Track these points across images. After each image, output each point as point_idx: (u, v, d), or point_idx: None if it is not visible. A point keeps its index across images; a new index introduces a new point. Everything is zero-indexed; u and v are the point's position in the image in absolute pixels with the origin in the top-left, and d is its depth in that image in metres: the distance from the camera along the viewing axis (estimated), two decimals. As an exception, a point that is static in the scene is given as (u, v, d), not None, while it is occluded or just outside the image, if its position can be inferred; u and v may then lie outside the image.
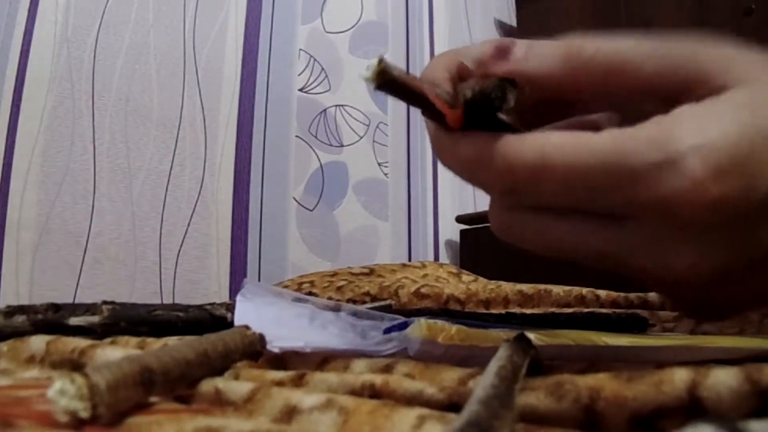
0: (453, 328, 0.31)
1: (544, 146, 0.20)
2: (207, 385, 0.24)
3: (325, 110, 1.22)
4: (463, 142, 0.22)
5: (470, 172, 0.22)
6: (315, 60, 1.23)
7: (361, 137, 1.26)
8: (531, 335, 0.31)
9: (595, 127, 0.21)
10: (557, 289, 0.67)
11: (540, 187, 0.20)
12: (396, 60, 1.33)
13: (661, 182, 0.18)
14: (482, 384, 0.18)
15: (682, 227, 0.19)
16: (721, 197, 0.18)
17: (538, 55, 0.23)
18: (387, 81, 0.21)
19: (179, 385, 0.24)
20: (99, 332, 0.39)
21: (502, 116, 0.24)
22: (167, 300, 0.96)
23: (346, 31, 1.28)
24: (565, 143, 0.20)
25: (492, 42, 0.24)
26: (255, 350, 0.31)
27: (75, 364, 0.30)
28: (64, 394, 0.18)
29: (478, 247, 1.25)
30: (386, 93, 0.22)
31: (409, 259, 1.24)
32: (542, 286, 0.69)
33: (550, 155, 0.20)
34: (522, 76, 0.23)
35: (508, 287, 0.71)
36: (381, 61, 0.21)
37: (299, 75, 1.20)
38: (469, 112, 0.22)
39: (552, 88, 0.23)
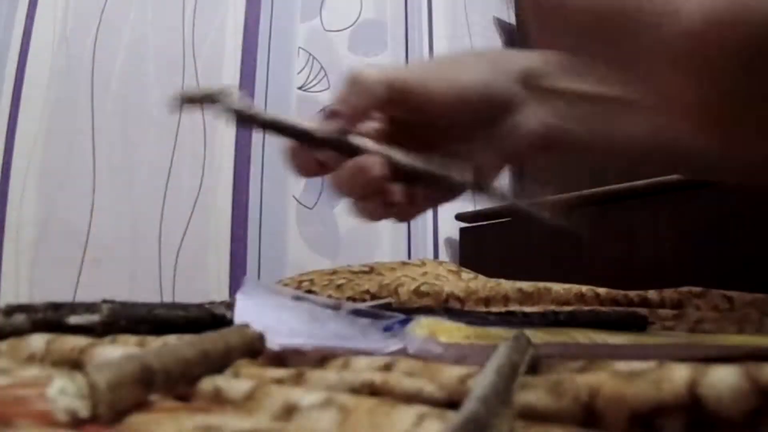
0: (453, 327, 0.31)
1: None
2: (207, 384, 0.24)
3: (324, 108, 1.22)
4: None
5: None
6: (314, 58, 1.23)
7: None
8: (530, 333, 0.31)
9: None
10: (557, 287, 0.67)
11: (561, 12, 0.22)
12: (396, 58, 1.33)
13: (661, 19, 0.19)
14: (481, 382, 0.18)
15: (675, 59, 0.20)
16: (713, 47, 0.19)
17: (354, 93, 0.28)
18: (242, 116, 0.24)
19: (179, 384, 0.24)
20: (99, 331, 0.39)
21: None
22: (167, 298, 0.96)
23: (345, 29, 1.28)
24: None
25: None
26: (255, 348, 0.31)
27: (75, 363, 0.30)
28: (64, 393, 0.18)
29: (477, 245, 1.25)
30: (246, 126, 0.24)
31: (409, 257, 1.24)
32: (542, 284, 0.69)
33: None
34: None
35: (507, 285, 0.71)
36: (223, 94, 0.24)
37: (298, 73, 1.20)
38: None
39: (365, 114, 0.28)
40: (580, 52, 0.24)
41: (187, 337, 0.28)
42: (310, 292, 0.70)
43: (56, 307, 0.39)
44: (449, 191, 0.30)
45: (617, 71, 0.24)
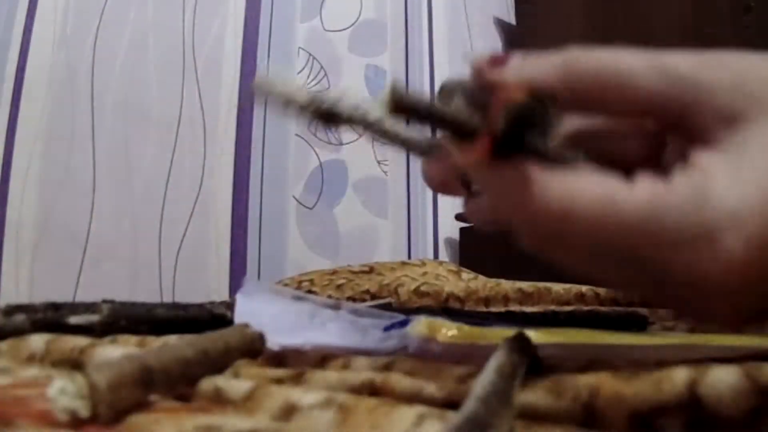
0: (453, 326, 0.31)
1: (573, 198, 0.19)
2: (207, 384, 0.24)
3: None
4: (490, 176, 0.20)
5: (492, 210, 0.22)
6: (314, 58, 1.23)
7: (361, 135, 1.26)
8: (531, 333, 0.31)
9: (623, 145, 0.21)
10: (557, 287, 0.67)
11: (563, 238, 0.19)
12: (395, 58, 1.33)
13: (696, 255, 0.17)
14: (481, 382, 0.18)
15: (715, 293, 0.18)
16: (759, 274, 0.17)
17: (535, 64, 0.22)
18: (401, 105, 0.20)
19: (179, 384, 0.24)
20: (99, 331, 0.39)
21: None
22: (167, 298, 0.96)
23: (345, 29, 1.28)
24: (596, 198, 0.18)
25: (486, 53, 0.23)
26: (255, 348, 0.31)
27: (75, 363, 0.30)
28: (64, 393, 0.18)
29: (477, 245, 1.25)
30: (403, 118, 0.20)
31: (409, 257, 1.24)
32: (542, 284, 0.69)
33: (577, 210, 0.18)
34: (518, 83, 0.21)
35: (507, 285, 0.71)
36: (394, 87, 0.19)
37: (298, 73, 1.20)
38: (504, 138, 0.20)
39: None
40: (592, 269, 0.21)
41: (187, 337, 0.27)
42: (310, 292, 0.70)
43: (56, 307, 0.39)
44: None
45: (636, 288, 0.22)
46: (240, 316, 0.38)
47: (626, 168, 0.20)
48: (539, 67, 0.22)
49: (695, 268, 0.18)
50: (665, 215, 0.18)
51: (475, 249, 1.25)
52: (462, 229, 1.29)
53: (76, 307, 0.40)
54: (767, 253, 0.17)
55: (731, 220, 0.17)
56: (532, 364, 0.21)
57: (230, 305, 0.45)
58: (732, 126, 0.19)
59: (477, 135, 0.20)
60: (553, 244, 0.20)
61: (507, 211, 0.21)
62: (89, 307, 0.40)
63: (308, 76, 1.21)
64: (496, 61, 0.23)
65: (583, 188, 0.19)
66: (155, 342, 0.35)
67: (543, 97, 0.20)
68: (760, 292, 0.18)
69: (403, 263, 0.91)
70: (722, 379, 0.17)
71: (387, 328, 0.34)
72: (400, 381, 0.22)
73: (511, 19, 1.48)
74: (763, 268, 0.17)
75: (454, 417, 0.15)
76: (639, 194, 0.18)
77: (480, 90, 0.22)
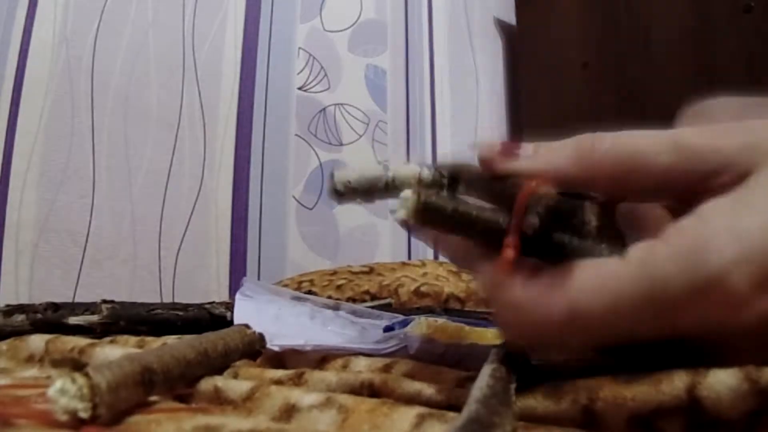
0: (453, 327, 0.31)
1: (571, 301, 0.18)
2: (206, 384, 0.24)
3: (324, 109, 1.22)
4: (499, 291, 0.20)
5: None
6: (314, 58, 1.22)
7: (361, 136, 1.26)
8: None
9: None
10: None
11: (574, 339, 0.19)
12: (395, 58, 1.33)
13: (705, 305, 0.17)
14: (478, 385, 0.18)
15: (732, 338, 0.18)
16: None
17: (548, 153, 0.22)
18: (430, 214, 0.18)
19: (179, 384, 0.24)
20: (98, 331, 0.39)
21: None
22: (167, 299, 0.96)
23: (345, 29, 1.28)
24: (591, 288, 0.18)
25: (494, 142, 0.23)
26: (254, 349, 0.31)
27: (75, 363, 0.30)
28: (64, 393, 0.18)
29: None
30: (431, 224, 0.19)
31: (409, 258, 1.24)
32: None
33: (579, 310, 0.18)
34: (532, 174, 0.21)
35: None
36: (419, 195, 0.18)
37: (298, 73, 1.20)
38: (537, 235, 0.19)
39: (563, 185, 0.21)
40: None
41: (187, 338, 0.27)
42: (309, 292, 0.70)
43: (56, 307, 0.39)
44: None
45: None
46: (240, 316, 0.38)
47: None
48: (554, 156, 0.22)
49: (709, 315, 0.17)
50: (664, 276, 0.17)
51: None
52: (462, 230, 1.29)
53: (75, 308, 0.40)
54: None
55: (734, 261, 0.17)
56: (528, 369, 0.21)
57: (230, 305, 0.45)
58: (743, 179, 0.19)
59: (503, 234, 0.19)
60: (570, 341, 0.20)
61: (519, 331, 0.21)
62: (89, 308, 0.40)
63: (308, 76, 1.21)
64: (507, 151, 0.22)
65: (580, 284, 0.18)
66: (155, 342, 0.35)
67: (576, 193, 0.20)
68: None
69: (404, 264, 0.91)
70: (722, 380, 0.17)
71: (387, 329, 0.34)
72: (399, 382, 0.22)
73: (511, 19, 1.48)
74: None
75: (456, 418, 0.15)
76: (632, 261, 0.18)
77: (493, 181, 0.21)
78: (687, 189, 0.20)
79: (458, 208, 0.19)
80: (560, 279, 0.19)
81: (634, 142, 0.20)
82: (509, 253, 0.19)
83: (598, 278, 0.18)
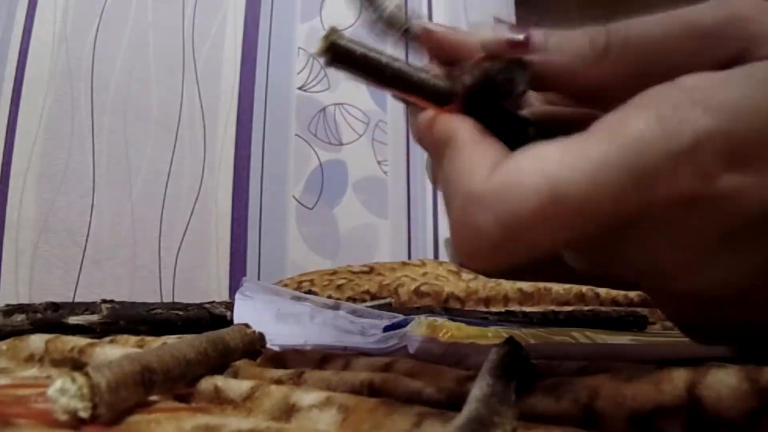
0: (453, 326, 0.31)
1: (550, 178, 0.16)
2: (206, 384, 0.24)
3: (324, 108, 1.22)
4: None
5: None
6: (314, 58, 1.22)
7: (361, 135, 1.26)
8: (530, 333, 0.31)
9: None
10: (557, 287, 0.67)
11: (552, 232, 0.16)
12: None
13: (679, 176, 0.16)
14: (478, 384, 0.18)
15: (706, 232, 0.17)
16: (737, 188, 0.16)
17: (560, 43, 0.20)
18: (341, 54, 0.18)
19: (179, 384, 0.24)
20: (98, 331, 0.39)
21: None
22: (166, 298, 0.96)
23: (345, 29, 1.28)
24: (571, 161, 0.16)
25: (502, 27, 0.21)
26: (255, 348, 0.31)
27: (74, 363, 0.30)
28: (64, 392, 0.18)
29: (477, 246, 1.25)
30: (344, 70, 0.19)
31: (409, 258, 1.24)
32: (542, 284, 0.69)
33: (559, 188, 0.16)
34: (545, 67, 0.20)
35: (507, 285, 0.71)
36: (332, 32, 0.18)
37: (298, 73, 1.20)
38: (469, 100, 0.19)
39: (577, 80, 0.20)
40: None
41: (187, 338, 0.27)
42: (310, 292, 0.70)
43: (56, 307, 0.39)
44: None
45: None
46: (239, 316, 0.38)
47: None
48: (564, 46, 0.20)
49: (681, 189, 0.16)
50: (637, 136, 0.16)
51: (475, 249, 1.25)
52: (462, 230, 1.29)
53: (75, 307, 0.40)
54: (747, 171, 0.16)
55: (706, 132, 0.16)
56: (527, 370, 0.21)
57: (230, 305, 0.45)
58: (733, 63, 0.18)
59: (445, 96, 0.19)
60: (547, 236, 0.16)
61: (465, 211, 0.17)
62: (89, 307, 0.40)
63: (308, 76, 1.21)
64: (515, 44, 0.21)
65: (560, 161, 0.16)
66: (154, 342, 0.35)
67: (518, 61, 0.19)
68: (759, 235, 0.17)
69: (404, 263, 0.91)
70: (722, 379, 0.17)
71: (387, 328, 0.34)
72: (399, 382, 0.22)
73: (511, 19, 1.48)
74: (747, 190, 0.16)
75: (456, 418, 0.15)
76: (607, 129, 0.16)
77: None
78: (726, 48, 0.18)
79: (368, 54, 0.19)
80: (530, 157, 0.16)
81: (654, 25, 0.19)
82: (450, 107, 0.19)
83: (577, 150, 0.16)
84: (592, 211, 0.16)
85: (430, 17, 1.41)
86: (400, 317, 0.36)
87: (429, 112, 0.20)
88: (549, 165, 0.16)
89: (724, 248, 0.17)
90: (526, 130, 0.20)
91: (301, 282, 0.80)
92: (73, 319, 0.39)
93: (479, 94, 0.19)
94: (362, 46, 0.19)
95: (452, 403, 0.20)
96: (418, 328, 0.30)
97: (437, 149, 0.20)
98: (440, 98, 0.20)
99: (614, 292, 0.65)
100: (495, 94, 0.20)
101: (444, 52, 0.23)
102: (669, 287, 0.19)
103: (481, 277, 0.86)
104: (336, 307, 0.41)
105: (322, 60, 0.19)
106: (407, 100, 0.21)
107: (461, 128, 0.19)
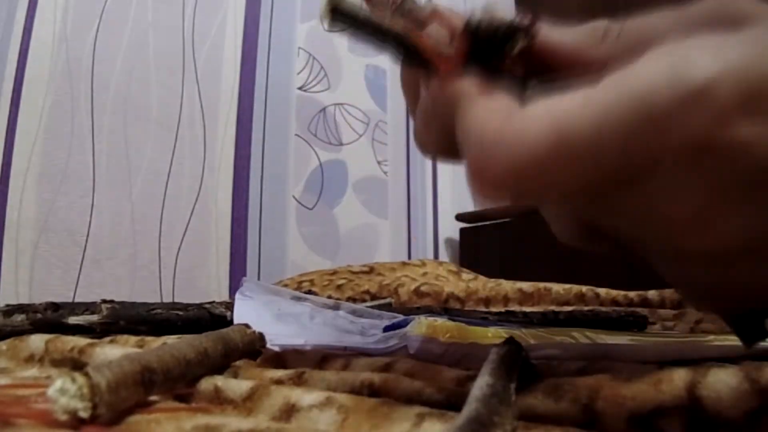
0: (453, 326, 0.31)
1: (556, 120, 0.16)
2: (206, 384, 0.24)
3: (324, 109, 1.22)
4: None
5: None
6: (314, 58, 1.22)
7: (361, 135, 1.26)
8: (530, 333, 0.31)
9: None
10: (557, 287, 0.68)
11: (558, 175, 0.17)
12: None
13: (690, 119, 0.15)
14: (478, 384, 0.18)
15: (719, 183, 0.16)
16: (753, 138, 0.15)
17: (563, 30, 0.22)
18: (343, 14, 0.19)
19: (179, 384, 0.24)
20: (98, 331, 0.39)
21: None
22: (166, 298, 0.96)
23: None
24: (577, 105, 0.16)
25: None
26: (255, 349, 0.31)
27: (74, 363, 0.30)
28: (64, 393, 0.18)
29: (477, 245, 1.25)
30: (348, 31, 0.20)
31: (409, 258, 1.24)
32: (542, 285, 0.69)
33: (566, 131, 0.16)
34: (546, 38, 0.21)
35: (507, 285, 0.71)
36: None
37: (298, 73, 1.20)
38: (472, 51, 0.20)
39: (574, 56, 0.21)
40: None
41: (187, 338, 0.27)
42: (310, 292, 0.70)
43: (56, 307, 0.39)
44: None
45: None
46: (239, 316, 0.38)
47: None
48: (566, 32, 0.22)
49: (694, 133, 0.16)
50: (644, 83, 0.16)
51: (476, 249, 1.25)
52: (462, 229, 1.29)
53: (75, 307, 0.40)
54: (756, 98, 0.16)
55: (719, 75, 0.16)
56: (528, 371, 0.21)
57: (230, 305, 0.45)
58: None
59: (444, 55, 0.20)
60: (553, 179, 0.17)
61: (480, 154, 0.18)
62: (89, 307, 0.40)
63: (308, 76, 1.21)
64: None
65: (566, 106, 0.17)
66: (154, 342, 0.35)
67: (521, 23, 0.20)
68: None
69: (404, 263, 0.91)
70: (722, 379, 0.17)
71: (387, 328, 0.34)
72: (399, 382, 0.22)
73: (511, 19, 1.48)
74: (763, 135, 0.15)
75: (456, 418, 0.15)
76: (614, 77, 0.17)
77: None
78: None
79: (370, 17, 0.20)
80: (542, 105, 0.17)
81: (645, 18, 0.20)
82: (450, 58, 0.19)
83: (584, 98, 0.16)
84: (599, 156, 0.16)
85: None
86: (400, 317, 0.36)
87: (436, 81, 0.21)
88: (558, 113, 0.17)
89: (738, 200, 0.17)
90: (526, 87, 0.21)
91: (301, 282, 0.80)
92: (73, 319, 0.39)
93: (482, 45, 0.20)
94: (363, 8, 0.20)
95: (452, 403, 0.20)
96: (418, 329, 0.30)
97: (451, 107, 0.20)
98: (442, 56, 0.20)
99: (614, 292, 0.65)
100: (496, 46, 0.20)
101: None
102: (676, 244, 0.19)
103: (480, 277, 0.86)
104: (336, 307, 0.41)
105: (325, 22, 0.19)
106: (410, 59, 0.21)
107: (471, 84, 0.20)
